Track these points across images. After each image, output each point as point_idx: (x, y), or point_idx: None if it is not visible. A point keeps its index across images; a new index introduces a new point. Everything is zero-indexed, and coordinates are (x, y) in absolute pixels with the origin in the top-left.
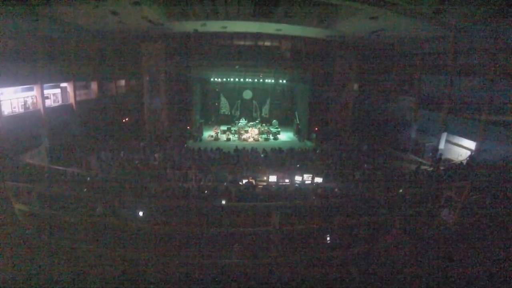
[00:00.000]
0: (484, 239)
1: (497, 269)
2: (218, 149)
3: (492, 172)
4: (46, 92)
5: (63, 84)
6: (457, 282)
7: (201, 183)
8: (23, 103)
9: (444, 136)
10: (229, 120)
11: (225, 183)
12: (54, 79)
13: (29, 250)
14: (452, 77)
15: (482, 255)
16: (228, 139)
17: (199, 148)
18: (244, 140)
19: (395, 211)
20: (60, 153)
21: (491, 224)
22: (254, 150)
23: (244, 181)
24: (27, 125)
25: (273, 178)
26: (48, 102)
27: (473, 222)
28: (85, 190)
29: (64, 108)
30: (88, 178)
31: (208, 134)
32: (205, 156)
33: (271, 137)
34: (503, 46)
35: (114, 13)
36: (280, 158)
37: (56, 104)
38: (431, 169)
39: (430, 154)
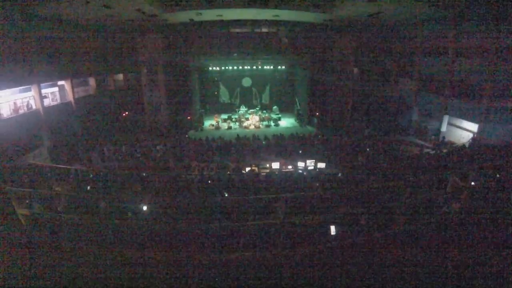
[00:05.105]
0: (490, 225)
1: (502, 256)
2: (220, 138)
3: (496, 154)
4: (43, 91)
5: (61, 82)
6: (462, 269)
7: (204, 173)
8: (21, 105)
9: (446, 118)
10: (230, 108)
11: (228, 172)
12: (51, 77)
13: (32, 254)
14: (452, 59)
15: (487, 241)
16: (230, 128)
17: (200, 138)
18: (246, 127)
19: (401, 198)
20: (62, 152)
21: (495, 210)
22: (255, 137)
23: (247, 169)
24: (27, 126)
25: (276, 165)
26: (47, 101)
27: (479, 208)
28: (88, 187)
29: (63, 107)
30: (91, 175)
31: (209, 123)
32: (207, 146)
33: (272, 123)
34: (503, 28)
35: (106, 6)
36: (282, 145)
37: (55, 103)
38: (434, 152)
39: (432, 137)
